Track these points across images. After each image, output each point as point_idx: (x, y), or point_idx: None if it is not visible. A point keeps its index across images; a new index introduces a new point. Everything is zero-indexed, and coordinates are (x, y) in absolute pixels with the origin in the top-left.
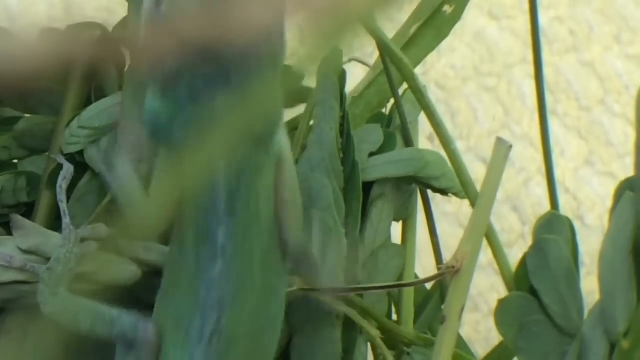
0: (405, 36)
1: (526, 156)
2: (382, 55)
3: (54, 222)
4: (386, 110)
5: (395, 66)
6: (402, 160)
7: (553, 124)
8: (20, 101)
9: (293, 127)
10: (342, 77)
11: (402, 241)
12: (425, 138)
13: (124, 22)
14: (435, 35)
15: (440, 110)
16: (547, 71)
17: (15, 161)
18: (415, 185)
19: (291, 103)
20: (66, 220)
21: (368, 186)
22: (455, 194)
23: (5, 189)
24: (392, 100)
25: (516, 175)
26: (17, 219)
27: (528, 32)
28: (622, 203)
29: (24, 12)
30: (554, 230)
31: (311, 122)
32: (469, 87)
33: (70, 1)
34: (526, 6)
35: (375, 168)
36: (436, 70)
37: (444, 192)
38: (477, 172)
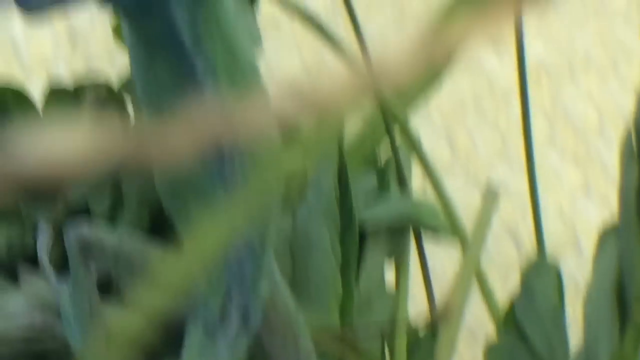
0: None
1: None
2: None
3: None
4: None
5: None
6: (396, 207)
7: (551, 153)
8: None
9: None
10: (340, 125)
11: (395, 284)
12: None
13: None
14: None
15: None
16: (544, 101)
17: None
18: (409, 230)
19: None
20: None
21: (362, 231)
22: (447, 240)
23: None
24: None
25: (513, 209)
26: (25, 271)
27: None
28: (604, 249)
29: (30, 45)
30: (540, 274)
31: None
32: (470, 118)
33: (75, 32)
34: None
35: (369, 214)
36: (437, 96)
37: (436, 240)
38: (474, 202)
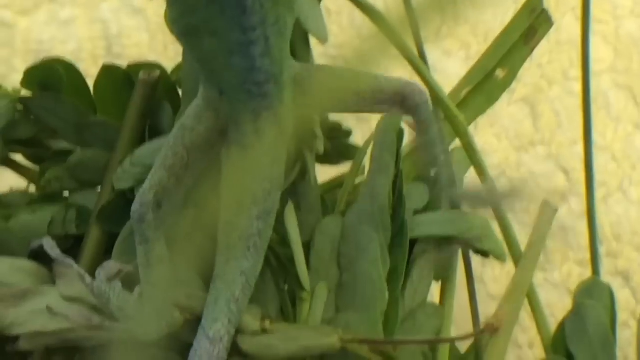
0: (456, 99)
1: (608, 170)
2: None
3: (103, 257)
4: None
5: (449, 122)
6: (446, 220)
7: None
8: (76, 134)
9: (338, 184)
10: (400, 135)
11: (440, 301)
12: None
13: (180, 66)
14: (486, 100)
15: (522, 111)
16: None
17: (66, 193)
18: (458, 246)
19: (336, 160)
20: (87, 281)
21: (411, 243)
22: (497, 257)
23: (55, 220)
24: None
25: (596, 190)
26: (61, 266)
27: (619, 39)
28: None
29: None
30: (593, 295)
31: (359, 178)
32: (554, 91)
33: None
34: (620, 11)
35: (419, 226)
36: (523, 67)
37: (485, 254)
38: (557, 182)
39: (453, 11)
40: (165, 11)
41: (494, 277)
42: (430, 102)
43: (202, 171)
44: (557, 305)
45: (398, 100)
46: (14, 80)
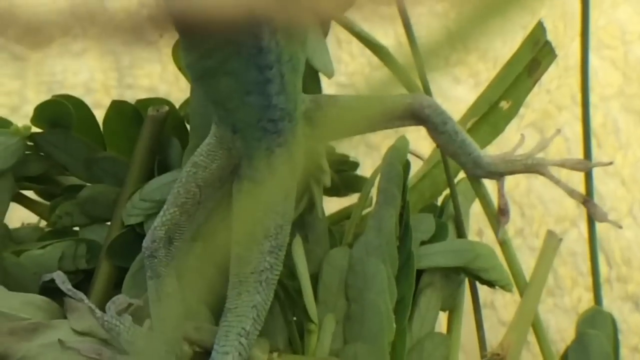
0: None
1: (617, 195)
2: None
3: (112, 291)
4: (438, 201)
5: None
6: (453, 251)
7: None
8: (85, 170)
9: (346, 215)
10: (406, 167)
11: (447, 330)
12: (474, 234)
13: (188, 101)
14: (491, 131)
15: (532, 136)
16: None
17: (77, 229)
18: (464, 276)
19: (344, 192)
20: (97, 315)
21: (418, 274)
22: (503, 287)
23: (65, 255)
24: (444, 193)
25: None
26: (72, 300)
27: (628, 64)
28: None
29: None
30: (596, 325)
31: (366, 210)
32: (564, 116)
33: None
34: (628, 37)
35: (426, 257)
36: (532, 93)
37: (491, 284)
38: (567, 207)
39: (462, 44)
40: (174, 47)
41: (505, 303)
42: (437, 104)
43: (213, 207)
44: (567, 331)
45: (408, 115)
46: (26, 111)
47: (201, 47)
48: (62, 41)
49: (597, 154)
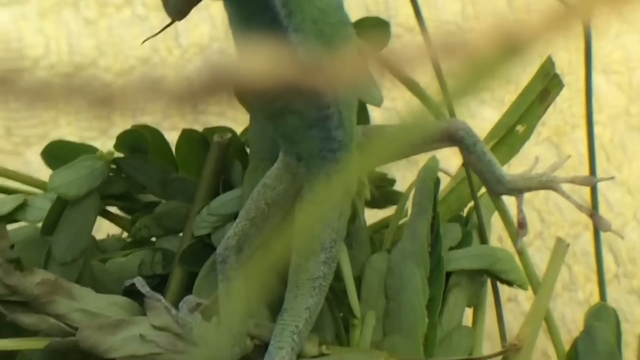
0: None
1: (624, 202)
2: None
3: (185, 293)
4: (463, 212)
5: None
6: (477, 255)
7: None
8: (160, 188)
9: (384, 225)
10: (436, 184)
11: (472, 324)
12: (495, 240)
13: (248, 129)
14: (509, 151)
15: (549, 150)
16: None
17: (154, 239)
18: (487, 277)
19: (382, 204)
20: (172, 313)
21: (447, 275)
22: (520, 286)
23: (144, 261)
24: (468, 205)
25: (614, 220)
26: (150, 300)
27: (632, 87)
28: None
29: (188, 33)
30: (602, 318)
31: (402, 220)
32: (577, 133)
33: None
34: (633, 63)
35: (454, 261)
36: (547, 112)
37: (510, 283)
38: (581, 213)
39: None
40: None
41: (527, 297)
42: (469, 127)
43: (277, 222)
44: (581, 321)
45: (445, 138)
46: (114, 133)
47: (268, 93)
48: (141, 70)
49: (605, 166)
